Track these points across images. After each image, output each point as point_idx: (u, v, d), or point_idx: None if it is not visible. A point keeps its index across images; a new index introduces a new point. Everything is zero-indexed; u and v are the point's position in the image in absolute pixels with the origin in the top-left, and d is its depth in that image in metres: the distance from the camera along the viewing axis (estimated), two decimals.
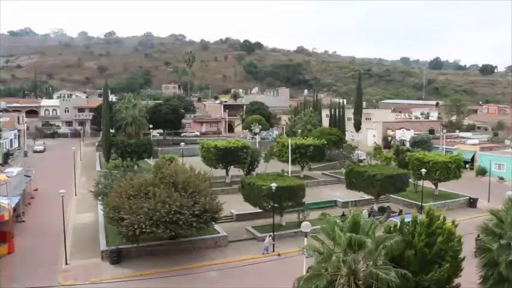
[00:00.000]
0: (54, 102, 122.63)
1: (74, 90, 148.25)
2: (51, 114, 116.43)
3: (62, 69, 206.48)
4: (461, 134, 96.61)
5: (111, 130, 68.80)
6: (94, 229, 39.10)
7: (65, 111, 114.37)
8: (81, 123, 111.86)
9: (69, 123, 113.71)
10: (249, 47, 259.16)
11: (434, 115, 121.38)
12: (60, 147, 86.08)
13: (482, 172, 67.48)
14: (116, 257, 32.14)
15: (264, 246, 35.61)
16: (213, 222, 35.21)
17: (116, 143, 64.23)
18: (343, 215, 39.22)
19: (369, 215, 40.51)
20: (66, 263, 31.91)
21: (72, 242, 36.06)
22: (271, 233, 36.55)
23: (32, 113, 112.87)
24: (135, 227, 30.10)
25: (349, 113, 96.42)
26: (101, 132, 74.31)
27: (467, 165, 70.56)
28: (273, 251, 35.38)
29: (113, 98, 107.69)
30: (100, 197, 39.28)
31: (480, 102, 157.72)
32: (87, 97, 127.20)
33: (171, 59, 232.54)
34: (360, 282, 18.23)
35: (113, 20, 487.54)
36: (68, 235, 36.60)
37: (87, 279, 29.63)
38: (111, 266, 31.76)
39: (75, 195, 51.88)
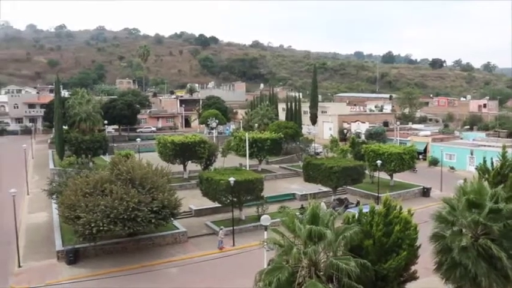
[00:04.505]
0: (1, 98, 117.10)
1: (23, 86, 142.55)
2: None
3: (10, 64, 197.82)
4: (414, 126, 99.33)
5: (64, 127, 66.89)
6: (48, 229, 37.91)
7: (14, 108, 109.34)
8: (32, 119, 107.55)
9: (19, 120, 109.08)
10: (204, 41, 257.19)
11: (388, 108, 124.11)
12: (9, 145, 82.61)
13: (434, 162, 69.78)
14: (73, 257, 31.28)
15: (218, 240, 35.45)
16: (172, 218, 34.94)
17: (69, 140, 62.39)
18: (302, 207, 39.68)
19: (340, 206, 41.09)
20: (19, 266, 30.73)
21: (25, 243, 34.80)
22: (222, 227, 36.35)
23: None
24: (92, 225, 29.41)
25: (305, 107, 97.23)
26: (54, 129, 72.01)
27: (420, 156, 72.66)
28: (233, 245, 35.30)
29: (65, 93, 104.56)
30: (54, 196, 38.18)
31: (431, 95, 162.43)
32: (37, 93, 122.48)
33: (125, 54, 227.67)
34: (321, 273, 18.39)
35: (63, 13, 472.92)
36: (21, 236, 35.29)
37: (42, 281, 28.64)
38: (67, 266, 30.87)
39: (28, 194, 50.15)
